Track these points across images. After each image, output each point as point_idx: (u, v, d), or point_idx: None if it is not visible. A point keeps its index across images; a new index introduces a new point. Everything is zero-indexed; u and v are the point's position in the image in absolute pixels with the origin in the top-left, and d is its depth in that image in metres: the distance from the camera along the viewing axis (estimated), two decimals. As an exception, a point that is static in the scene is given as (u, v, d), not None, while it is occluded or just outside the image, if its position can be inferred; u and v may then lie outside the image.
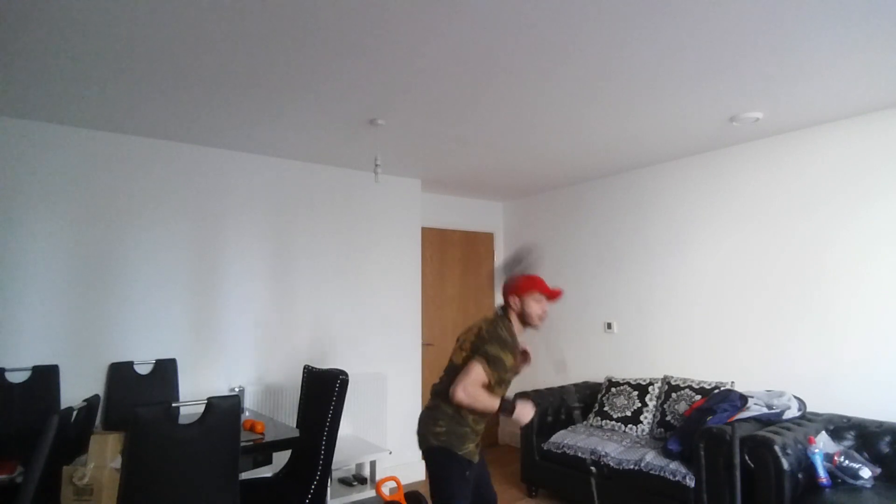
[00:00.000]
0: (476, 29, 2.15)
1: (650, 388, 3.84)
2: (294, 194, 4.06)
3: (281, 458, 3.15)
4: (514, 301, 2.24)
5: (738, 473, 2.67)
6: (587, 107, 3.01)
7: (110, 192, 3.37)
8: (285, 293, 3.97)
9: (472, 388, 2.04)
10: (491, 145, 3.71)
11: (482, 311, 5.46)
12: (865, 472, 2.62)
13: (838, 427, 2.98)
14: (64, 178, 3.23)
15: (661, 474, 3.07)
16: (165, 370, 3.41)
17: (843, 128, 3.24)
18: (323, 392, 2.78)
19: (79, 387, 3.16)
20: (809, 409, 3.21)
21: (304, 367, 3.09)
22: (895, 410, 2.95)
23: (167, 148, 3.57)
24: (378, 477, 3.86)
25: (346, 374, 2.73)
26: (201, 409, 2.00)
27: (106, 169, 3.36)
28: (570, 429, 3.85)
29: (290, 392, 3.81)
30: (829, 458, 2.71)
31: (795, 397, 3.15)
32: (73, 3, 1.96)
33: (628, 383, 3.98)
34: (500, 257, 5.71)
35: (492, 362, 2.09)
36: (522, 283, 2.24)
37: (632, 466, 3.22)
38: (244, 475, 2.33)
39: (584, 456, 3.49)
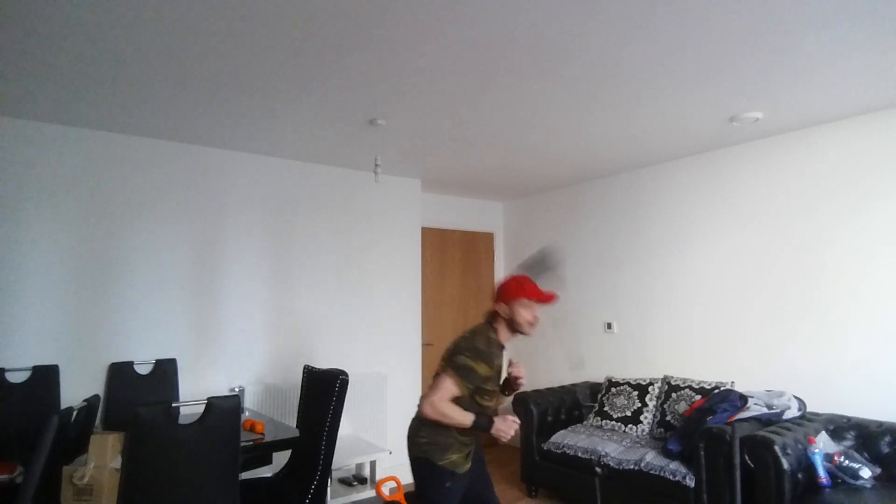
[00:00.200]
0: (476, 29, 2.15)
1: (650, 388, 3.84)
2: (294, 194, 4.06)
3: (281, 458, 3.14)
4: (503, 308, 2.10)
5: (738, 473, 2.67)
6: (587, 107, 3.01)
7: (110, 192, 3.37)
8: (285, 293, 3.97)
9: (440, 404, 1.96)
10: (491, 145, 3.71)
11: (482, 311, 5.45)
12: (865, 472, 2.62)
13: (838, 427, 2.97)
14: (64, 178, 3.23)
15: (661, 474, 3.06)
16: (165, 370, 3.41)
17: (843, 128, 3.24)
18: (323, 392, 2.78)
19: (79, 387, 3.16)
20: (809, 409, 3.21)
21: (304, 367, 3.09)
22: (895, 410, 2.95)
23: (167, 148, 3.58)
24: (378, 477, 3.86)
25: (346, 374, 2.73)
26: (201, 409, 2.00)
27: (106, 169, 3.36)
28: (570, 429, 3.85)
29: (290, 392, 3.81)
30: (829, 458, 2.71)
31: (795, 397, 3.15)
32: (73, 4, 1.96)
33: (628, 383, 3.98)
34: (499, 257, 5.72)
35: (463, 374, 2.00)
36: (510, 289, 2.10)
37: (632, 466, 3.22)
38: (244, 475, 2.33)
39: (584, 456, 3.49)
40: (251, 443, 2.56)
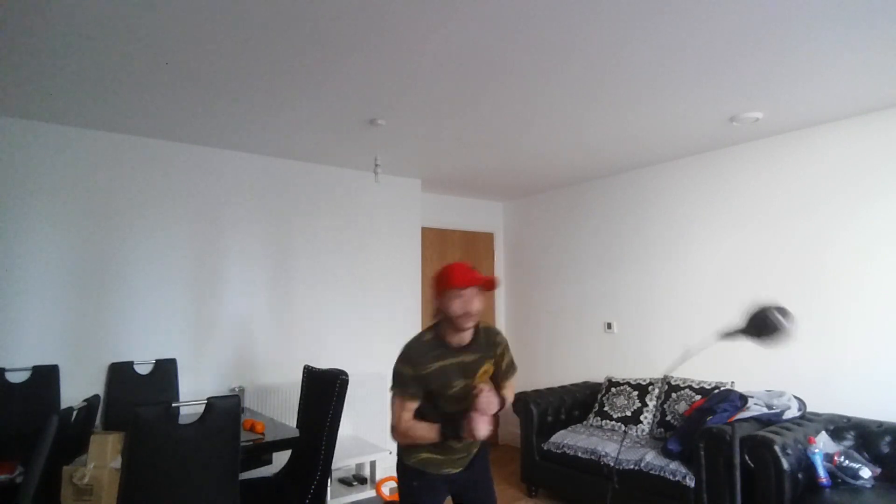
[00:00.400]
0: (476, 29, 2.15)
1: (650, 388, 3.84)
2: (294, 194, 4.06)
3: (281, 458, 3.14)
4: (436, 303, 1.88)
5: (738, 473, 2.66)
6: (587, 106, 3.01)
7: (110, 192, 3.37)
8: (285, 293, 3.97)
9: (400, 426, 1.84)
10: (491, 145, 3.71)
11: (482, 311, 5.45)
12: (865, 472, 2.62)
13: (838, 427, 2.97)
14: (64, 178, 3.23)
15: (661, 474, 3.06)
16: (165, 370, 3.41)
17: (843, 128, 3.24)
18: (323, 392, 2.78)
19: (79, 387, 3.16)
20: (809, 409, 3.21)
21: (304, 367, 3.09)
22: (895, 410, 2.95)
23: (167, 148, 3.57)
24: (378, 477, 3.86)
25: (346, 375, 2.72)
26: (201, 409, 2.00)
27: (106, 169, 3.36)
28: (570, 429, 3.85)
29: (290, 392, 3.80)
30: (829, 458, 2.71)
31: (795, 397, 3.15)
32: (73, 4, 1.96)
33: (628, 383, 3.98)
34: (499, 257, 5.72)
35: (395, 382, 1.87)
36: (436, 281, 1.87)
37: (632, 466, 3.22)
38: (244, 475, 2.33)
39: (585, 457, 3.49)
40: (251, 443, 2.56)
